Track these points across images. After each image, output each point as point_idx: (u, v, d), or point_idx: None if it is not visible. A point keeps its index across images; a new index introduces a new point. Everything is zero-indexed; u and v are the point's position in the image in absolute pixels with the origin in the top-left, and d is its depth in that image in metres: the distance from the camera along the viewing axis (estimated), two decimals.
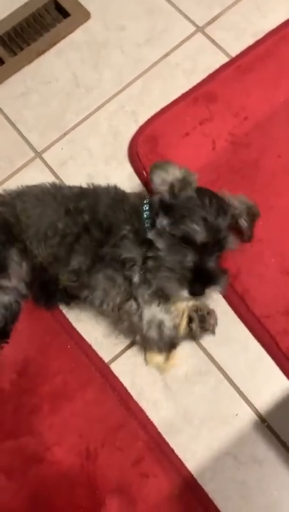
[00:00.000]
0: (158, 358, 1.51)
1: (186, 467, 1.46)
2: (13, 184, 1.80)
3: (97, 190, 1.56)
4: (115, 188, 1.57)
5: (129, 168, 1.79)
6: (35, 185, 1.62)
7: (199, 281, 1.36)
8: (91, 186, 1.59)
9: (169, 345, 1.47)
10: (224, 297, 1.59)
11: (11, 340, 1.60)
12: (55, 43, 1.99)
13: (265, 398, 1.49)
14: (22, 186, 1.64)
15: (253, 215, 1.51)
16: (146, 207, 1.47)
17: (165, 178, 1.40)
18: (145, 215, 1.45)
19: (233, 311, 1.58)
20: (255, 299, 1.56)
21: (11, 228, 1.51)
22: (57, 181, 1.75)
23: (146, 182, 1.75)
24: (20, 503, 1.47)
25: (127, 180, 1.77)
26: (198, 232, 1.35)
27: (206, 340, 1.55)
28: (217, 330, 1.52)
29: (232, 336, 1.56)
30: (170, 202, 1.40)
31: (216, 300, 1.55)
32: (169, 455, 1.47)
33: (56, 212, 1.50)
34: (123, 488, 1.46)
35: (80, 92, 1.92)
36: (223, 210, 1.40)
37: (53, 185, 1.61)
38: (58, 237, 1.47)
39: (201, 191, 1.42)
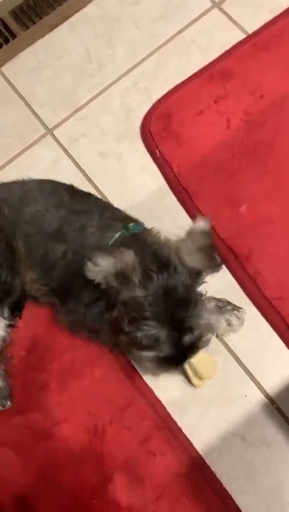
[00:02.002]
0: (200, 381, 1.48)
1: (193, 447, 1.46)
2: (24, 161, 1.81)
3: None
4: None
5: (141, 147, 1.77)
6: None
7: (179, 357, 1.24)
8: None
9: None
10: (235, 278, 1.57)
11: (22, 316, 1.60)
12: (67, 17, 1.96)
13: (274, 380, 1.48)
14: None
15: (207, 248, 1.24)
16: None
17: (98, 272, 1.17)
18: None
19: (243, 293, 1.56)
20: (266, 281, 1.55)
21: None
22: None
23: (158, 161, 1.73)
24: (27, 479, 1.48)
25: (140, 159, 1.75)
26: (162, 350, 1.21)
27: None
28: None
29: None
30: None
31: (227, 281, 1.54)
32: (177, 434, 1.47)
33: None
34: (130, 465, 1.47)
35: (92, 68, 1.89)
36: (186, 303, 1.18)
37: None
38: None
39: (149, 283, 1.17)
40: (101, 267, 1.15)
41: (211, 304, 1.49)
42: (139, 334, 1.18)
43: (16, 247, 1.45)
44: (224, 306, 1.49)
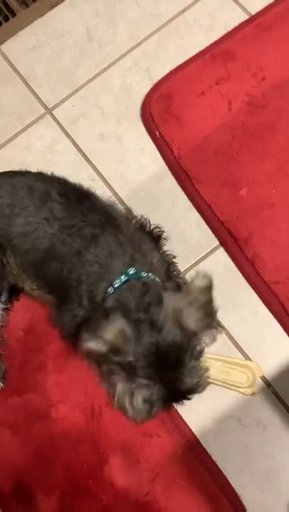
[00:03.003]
0: (246, 389, 1.48)
1: (189, 428, 1.46)
2: (22, 141, 1.79)
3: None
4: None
5: (141, 128, 1.75)
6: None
7: (172, 400, 1.20)
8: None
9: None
10: (234, 262, 1.57)
11: (19, 298, 1.60)
12: None
13: (271, 363, 1.48)
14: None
15: (205, 304, 1.18)
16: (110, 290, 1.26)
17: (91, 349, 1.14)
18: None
19: (242, 276, 1.56)
20: (265, 264, 1.54)
21: None
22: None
23: (158, 143, 1.71)
24: (24, 458, 1.49)
25: (139, 141, 1.73)
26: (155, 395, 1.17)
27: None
28: (226, 294, 1.52)
29: (241, 301, 1.54)
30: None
31: (226, 265, 1.54)
32: (173, 416, 1.47)
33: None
34: (126, 446, 1.47)
35: (93, 47, 1.86)
36: (178, 365, 1.16)
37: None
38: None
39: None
40: (93, 346, 1.13)
41: None
42: (133, 385, 1.17)
43: (6, 262, 1.42)
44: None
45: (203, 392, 1.21)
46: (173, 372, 1.15)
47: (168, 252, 1.50)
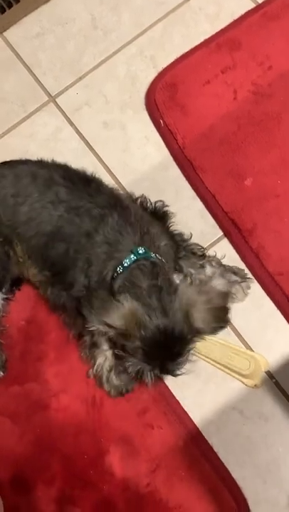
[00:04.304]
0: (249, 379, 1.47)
1: (191, 420, 1.46)
2: (26, 129, 1.77)
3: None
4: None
5: (145, 116, 1.73)
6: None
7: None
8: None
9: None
10: (238, 252, 1.55)
11: (21, 288, 1.59)
12: None
13: (274, 355, 1.47)
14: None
15: (220, 310, 1.20)
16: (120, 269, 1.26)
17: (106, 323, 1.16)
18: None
19: (246, 267, 1.54)
20: (269, 256, 1.53)
21: None
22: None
23: (162, 131, 1.69)
24: (24, 448, 1.48)
25: (143, 129, 1.71)
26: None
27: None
28: None
29: None
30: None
31: (229, 255, 1.53)
32: (175, 407, 1.47)
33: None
34: (127, 437, 1.46)
35: (97, 35, 1.84)
36: (176, 356, 1.18)
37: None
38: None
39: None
40: (102, 330, 1.15)
41: (217, 273, 1.47)
42: (127, 363, 1.19)
43: (13, 251, 1.42)
44: (230, 279, 1.47)
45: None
46: (171, 361, 1.17)
47: (176, 232, 1.50)
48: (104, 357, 1.43)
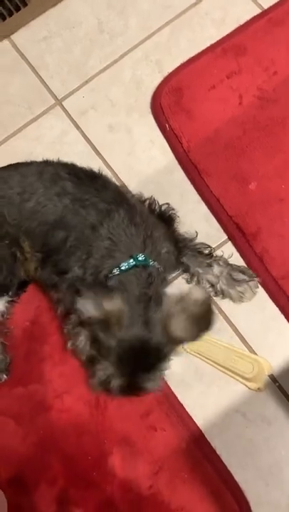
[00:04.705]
0: (252, 383, 1.47)
1: (194, 422, 1.46)
2: (32, 132, 1.79)
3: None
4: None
5: (151, 120, 1.74)
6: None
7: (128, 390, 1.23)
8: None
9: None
10: (242, 256, 1.56)
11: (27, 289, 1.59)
12: None
13: (277, 359, 1.48)
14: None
15: (203, 316, 1.18)
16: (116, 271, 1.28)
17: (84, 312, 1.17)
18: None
19: None
20: (273, 260, 1.53)
21: None
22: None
23: (168, 135, 1.70)
24: (27, 448, 1.49)
25: (149, 133, 1.72)
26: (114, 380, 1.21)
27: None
28: None
29: None
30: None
31: (233, 259, 1.53)
32: (178, 409, 1.47)
33: None
34: (130, 439, 1.47)
35: (104, 39, 1.85)
36: (149, 368, 1.20)
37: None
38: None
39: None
40: (87, 311, 1.15)
41: (224, 272, 1.48)
42: (97, 366, 1.21)
43: (21, 250, 1.43)
44: (238, 278, 1.48)
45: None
46: (142, 372, 1.19)
47: (181, 236, 1.51)
48: (88, 336, 1.42)
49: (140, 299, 1.21)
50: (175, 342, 1.20)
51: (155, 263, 1.29)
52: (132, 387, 1.21)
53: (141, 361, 1.18)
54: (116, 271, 1.26)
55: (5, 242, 1.40)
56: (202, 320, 1.17)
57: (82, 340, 1.43)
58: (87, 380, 1.50)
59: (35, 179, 1.39)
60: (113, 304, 1.16)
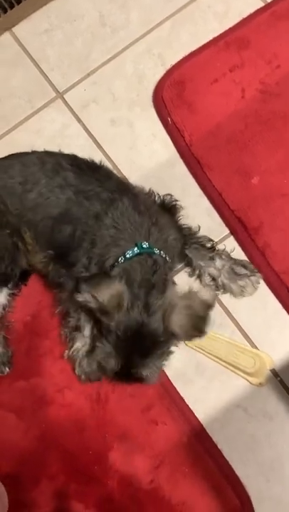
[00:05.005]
0: (253, 378, 1.47)
1: (195, 417, 1.46)
2: (33, 125, 1.77)
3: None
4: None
5: (153, 114, 1.73)
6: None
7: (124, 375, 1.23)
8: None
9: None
10: (244, 251, 1.55)
11: (27, 283, 1.59)
12: None
13: (279, 353, 1.48)
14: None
15: (200, 319, 1.18)
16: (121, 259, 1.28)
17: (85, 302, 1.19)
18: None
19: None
20: (275, 254, 1.53)
21: None
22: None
23: (170, 129, 1.69)
24: (29, 442, 1.49)
25: (151, 127, 1.72)
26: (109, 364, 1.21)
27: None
28: None
29: None
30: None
31: (235, 253, 1.53)
32: (179, 404, 1.47)
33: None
34: (132, 433, 1.47)
35: (105, 32, 1.84)
36: (146, 353, 1.19)
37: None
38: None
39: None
40: (87, 300, 1.17)
41: (226, 266, 1.48)
42: (97, 344, 1.22)
43: (22, 240, 1.43)
44: (239, 272, 1.48)
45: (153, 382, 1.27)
46: (138, 356, 1.18)
47: (184, 225, 1.51)
48: (84, 342, 1.45)
49: (142, 284, 1.22)
50: (170, 335, 1.19)
51: (161, 252, 1.29)
52: (127, 371, 1.20)
53: (137, 344, 1.18)
54: (121, 259, 1.27)
55: (6, 231, 1.40)
56: (200, 323, 1.16)
57: (78, 348, 1.45)
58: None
59: (37, 169, 1.39)
60: (113, 289, 1.17)
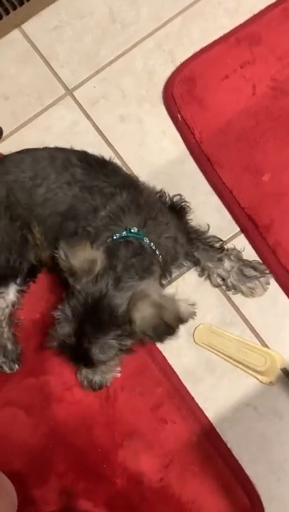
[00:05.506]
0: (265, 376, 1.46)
1: (205, 415, 1.45)
2: (42, 122, 1.77)
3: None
4: None
5: (163, 111, 1.72)
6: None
7: (76, 355, 1.24)
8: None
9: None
10: (254, 249, 1.54)
11: (36, 280, 1.58)
12: None
13: None
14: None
15: (162, 326, 1.16)
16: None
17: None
18: None
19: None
20: (286, 252, 1.52)
21: None
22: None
23: (179, 126, 1.68)
24: (38, 440, 1.49)
25: (161, 123, 1.71)
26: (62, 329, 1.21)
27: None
28: None
29: None
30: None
31: (246, 252, 1.52)
32: (189, 402, 1.46)
33: None
34: (141, 432, 1.46)
35: (115, 28, 1.83)
36: (100, 326, 1.18)
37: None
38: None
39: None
40: (63, 259, 1.19)
41: (235, 268, 1.47)
42: (59, 306, 1.21)
43: (32, 235, 1.43)
44: (249, 274, 1.47)
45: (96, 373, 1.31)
46: (91, 326, 1.16)
47: (193, 228, 1.50)
48: None
49: (121, 260, 1.22)
50: (126, 321, 1.17)
51: (152, 244, 1.29)
52: (78, 343, 1.18)
53: (92, 313, 1.17)
54: (109, 240, 1.27)
55: (16, 224, 1.41)
56: (162, 328, 1.15)
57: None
58: None
59: (47, 164, 1.40)
60: (88, 254, 1.18)
